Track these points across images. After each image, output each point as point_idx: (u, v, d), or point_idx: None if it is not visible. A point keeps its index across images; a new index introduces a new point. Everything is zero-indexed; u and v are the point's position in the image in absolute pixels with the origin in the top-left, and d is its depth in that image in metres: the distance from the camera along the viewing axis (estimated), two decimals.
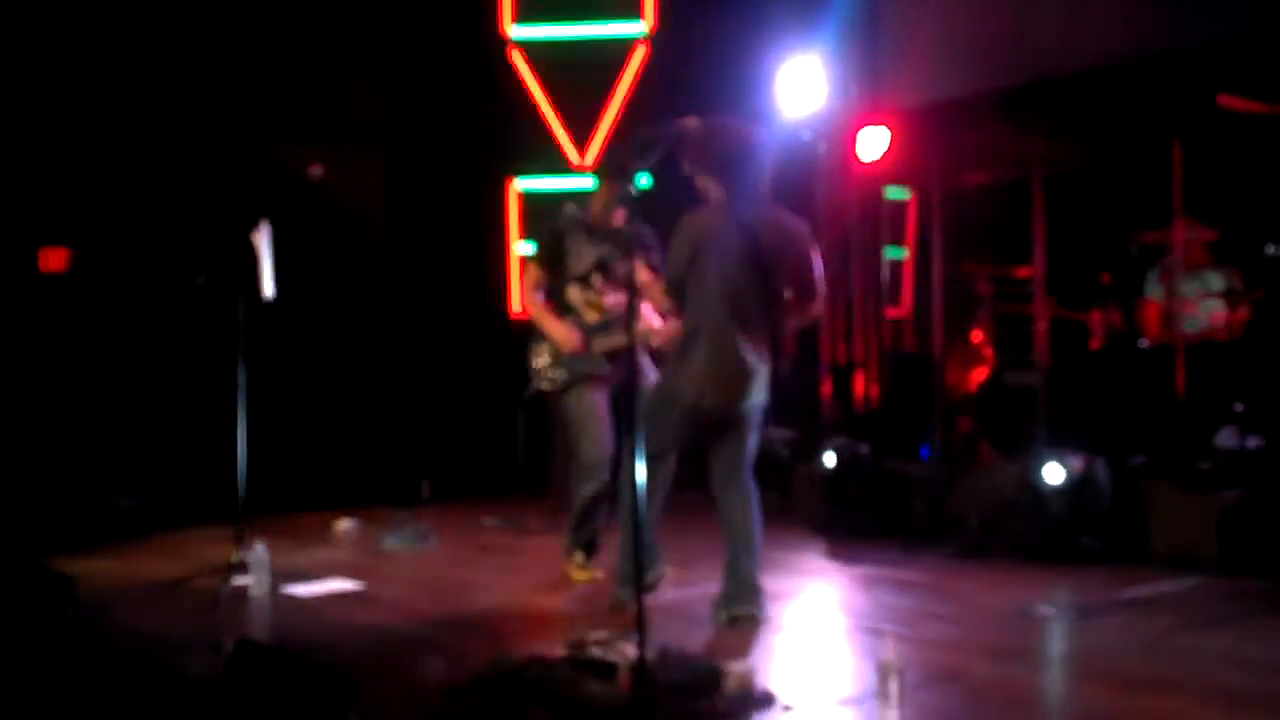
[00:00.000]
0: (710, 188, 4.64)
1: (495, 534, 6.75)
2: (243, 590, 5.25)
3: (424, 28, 8.79)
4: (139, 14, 7.62)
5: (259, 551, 5.34)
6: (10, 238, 7.40)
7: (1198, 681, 3.78)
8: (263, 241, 5.64)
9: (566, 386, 5.42)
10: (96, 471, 7.16)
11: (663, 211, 4.79)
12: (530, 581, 5.66)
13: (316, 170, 5.69)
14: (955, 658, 4.05)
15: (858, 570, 5.58)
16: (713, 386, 4.58)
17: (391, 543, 6.42)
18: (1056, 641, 4.35)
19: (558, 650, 4.07)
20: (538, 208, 8.71)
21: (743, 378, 4.59)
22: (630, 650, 3.85)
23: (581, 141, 8.74)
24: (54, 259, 7.68)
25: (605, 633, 4.26)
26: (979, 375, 7.02)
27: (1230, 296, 6.47)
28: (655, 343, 5.32)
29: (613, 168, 5.36)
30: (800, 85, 7.32)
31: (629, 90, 8.65)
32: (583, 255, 5.41)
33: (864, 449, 6.47)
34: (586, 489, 5.39)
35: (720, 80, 7.61)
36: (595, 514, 5.47)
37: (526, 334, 5.57)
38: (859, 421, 7.15)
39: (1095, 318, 6.63)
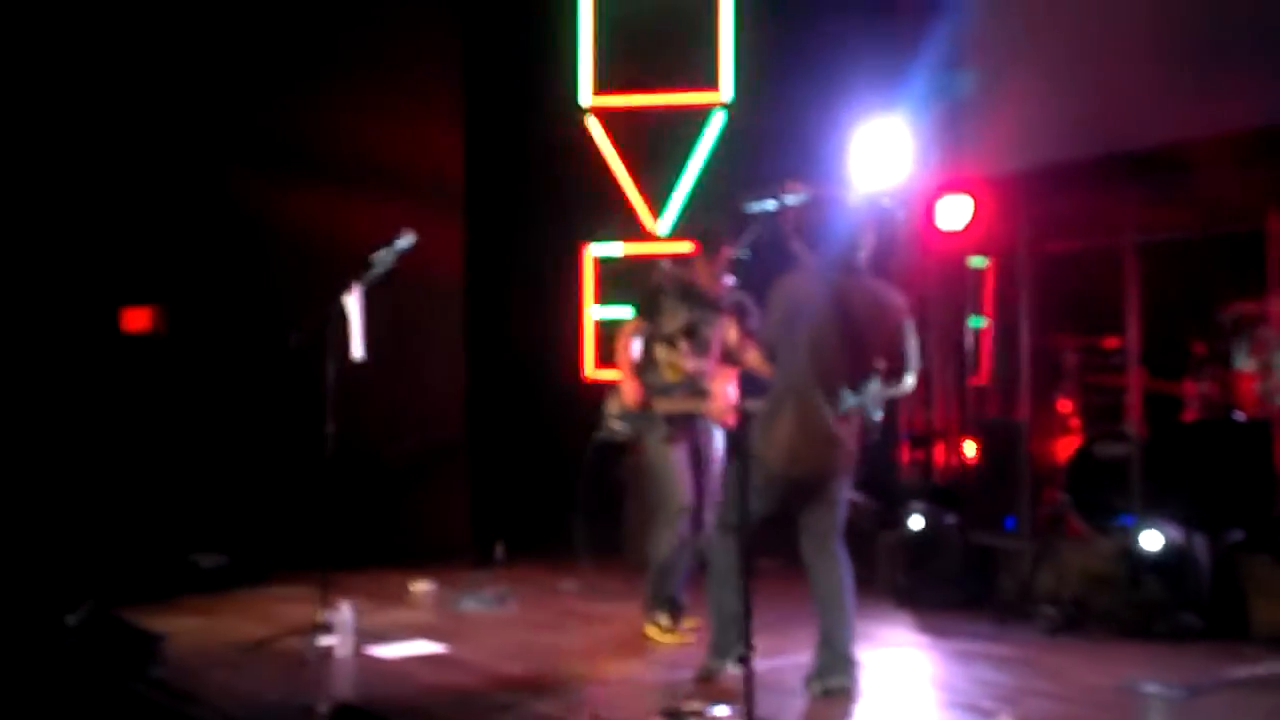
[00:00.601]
0: (805, 254, 4.63)
1: (575, 598, 6.70)
2: (328, 651, 5.23)
3: (505, 96, 8.92)
4: (222, 74, 7.79)
5: (344, 612, 5.33)
6: (97, 297, 7.52)
7: None
8: (354, 304, 5.71)
9: (629, 441, 5.67)
10: (177, 529, 7.20)
11: (760, 278, 4.79)
12: (614, 646, 5.61)
13: (406, 237, 5.75)
14: None
15: (949, 644, 5.46)
16: (799, 456, 4.53)
17: (470, 605, 6.39)
18: None
19: (653, 719, 4.01)
20: (613, 273, 8.77)
21: (830, 447, 4.55)
22: None
23: (658, 208, 8.78)
24: (137, 319, 7.80)
25: (699, 703, 4.21)
26: (1066, 446, 6.90)
27: None
28: (713, 411, 5.38)
29: (713, 236, 5.39)
30: (879, 152, 7.30)
31: (706, 158, 8.70)
32: (675, 316, 5.50)
33: (949, 519, 6.36)
34: (667, 540, 5.41)
35: (799, 147, 7.62)
36: (678, 568, 5.45)
37: (601, 393, 5.76)
38: (940, 492, 7.04)
39: (1189, 389, 6.50)
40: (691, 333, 5.49)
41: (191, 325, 7.67)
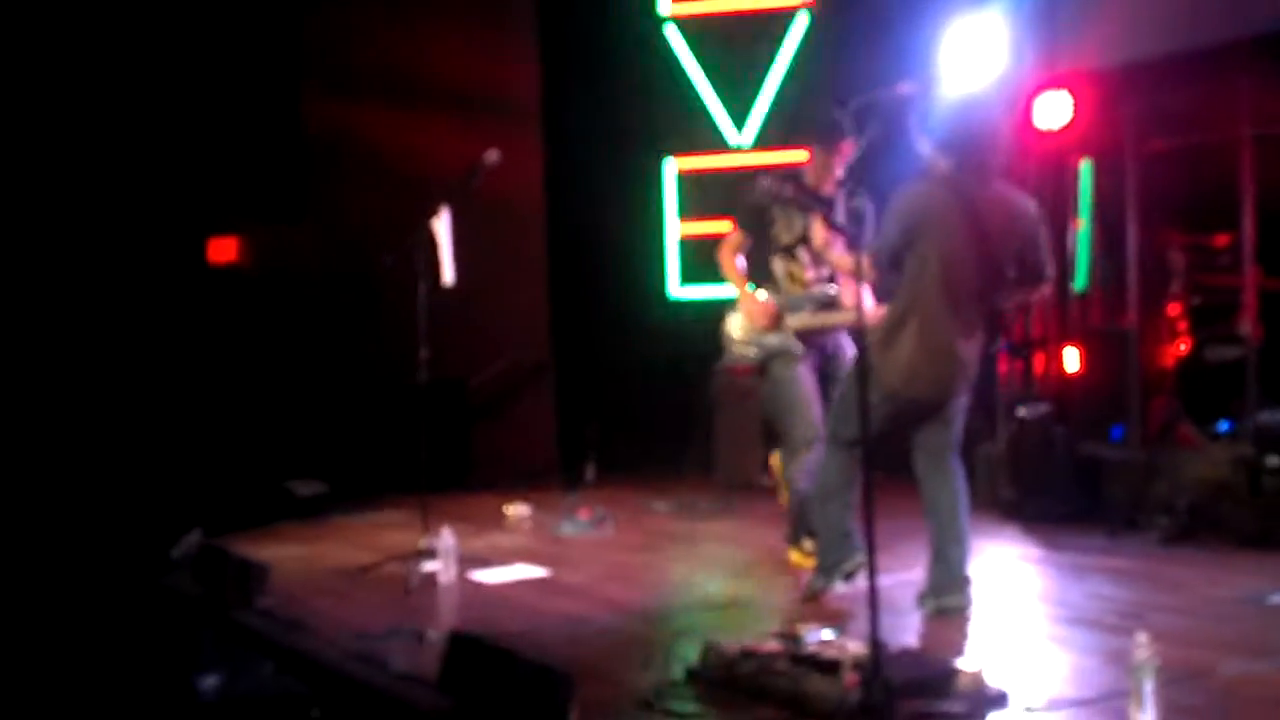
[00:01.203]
0: (936, 159, 4.39)
1: (670, 519, 6.65)
2: (432, 577, 5.22)
3: (580, 5, 8.70)
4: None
5: (446, 538, 5.31)
6: (183, 230, 7.54)
7: None
8: (443, 228, 5.62)
9: (760, 365, 5.21)
10: (272, 457, 7.25)
11: (880, 181, 4.57)
12: (714, 567, 5.56)
13: (492, 155, 5.62)
14: (1194, 652, 3.79)
15: (1061, 557, 5.33)
16: (921, 377, 4.37)
17: (568, 528, 6.36)
18: None
19: (768, 642, 3.93)
20: (695, 184, 8.59)
21: (953, 367, 4.38)
22: (850, 645, 3.70)
23: (741, 117, 8.55)
24: (223, 250, 7.81)
25: (813, 625, 4.12)
26: (1174, 351, 6.66)
27: None
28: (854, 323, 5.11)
29: (832, 130, 5.06)
30: (973, 49, 6.99)
31: (790, 63, 8.43)
32: (792, 226, 5.17)
33: (1057, 430, 6.19)
34: (797, 470, 5.13)
35: (887, 48, 7.33)
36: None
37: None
38: (1042, 401, 6.84)
39: None
40: (809, 241, 5.15)
41: (277, 253, 7.68)
